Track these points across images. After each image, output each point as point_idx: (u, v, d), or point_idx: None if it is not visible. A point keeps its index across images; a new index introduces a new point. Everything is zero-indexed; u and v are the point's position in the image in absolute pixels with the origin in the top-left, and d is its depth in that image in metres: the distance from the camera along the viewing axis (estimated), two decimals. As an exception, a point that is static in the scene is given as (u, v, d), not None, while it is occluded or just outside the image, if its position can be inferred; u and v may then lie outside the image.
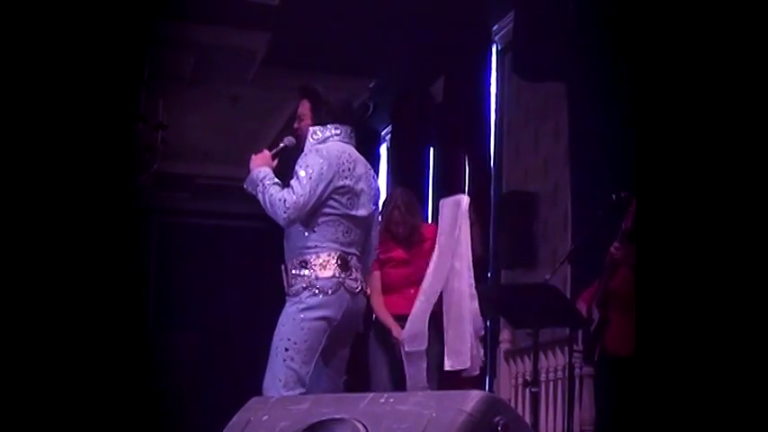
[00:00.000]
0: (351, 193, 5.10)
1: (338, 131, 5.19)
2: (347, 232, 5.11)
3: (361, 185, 5.14)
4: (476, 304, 6.57)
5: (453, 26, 9.69)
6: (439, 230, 6.67)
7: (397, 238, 6.63)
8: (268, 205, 4.99)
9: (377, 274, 6.51)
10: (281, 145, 5.29)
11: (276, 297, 5.26)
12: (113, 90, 4.39)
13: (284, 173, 5.16)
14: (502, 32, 9.81)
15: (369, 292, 5.71)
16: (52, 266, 4.09)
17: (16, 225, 4.03)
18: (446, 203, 6.81)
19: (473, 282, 6.62)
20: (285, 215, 4.95)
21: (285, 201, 4.94)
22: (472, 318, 6.56)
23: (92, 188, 4.24)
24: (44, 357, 4.08)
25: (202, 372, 15.03)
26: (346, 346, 5.21)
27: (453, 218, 6.65)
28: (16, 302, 3.98)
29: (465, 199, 6.79)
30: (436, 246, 6.59)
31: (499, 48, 10.07)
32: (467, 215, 6.63)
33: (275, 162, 5.21)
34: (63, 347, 4.13)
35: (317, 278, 4.99)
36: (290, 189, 4.97)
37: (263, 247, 14.68)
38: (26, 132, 4.06)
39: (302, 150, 5.18)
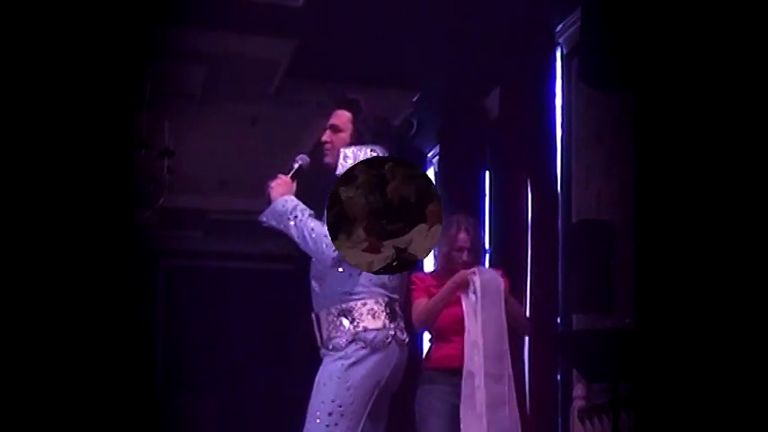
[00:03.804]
0: None
1: (375, 154, 5.16)
2: (393, 275, 5.10)
3: (400, 218, 5.13)
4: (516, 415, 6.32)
5: (509, 27, 9.69)
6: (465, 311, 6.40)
7: (458, 269, 6.52)
8: (309, 242, 4.97)
9: (423, 300, 6.45)
10: (296, 165, 5.25)
11: (305, 350, 5.24)
12: (108, 111, 4.38)
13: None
14: (567, 33, 9.80)
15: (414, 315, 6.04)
16: (45, 320, 4.10)
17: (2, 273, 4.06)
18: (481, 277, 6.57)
19: (512, 384, 6.37)
20: (335, 253, 4.93)
21: None
22: None
23: (86, 228, 4.23)
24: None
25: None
26: (386, 408, 5.19)
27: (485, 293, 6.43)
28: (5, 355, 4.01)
29: (498, 277, 6.55)
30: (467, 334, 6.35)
31: (564, 52, 10.06)
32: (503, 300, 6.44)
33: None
34: (59, 417, 4.14)
35: (365, 330, 4.98)
36: None
37: (286, 293, 14.80)
38: (5, 163, 4.09)
39: (334, 172, 5.13)
